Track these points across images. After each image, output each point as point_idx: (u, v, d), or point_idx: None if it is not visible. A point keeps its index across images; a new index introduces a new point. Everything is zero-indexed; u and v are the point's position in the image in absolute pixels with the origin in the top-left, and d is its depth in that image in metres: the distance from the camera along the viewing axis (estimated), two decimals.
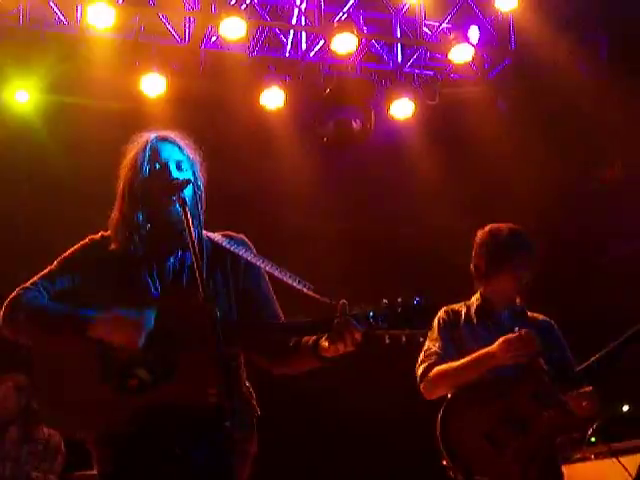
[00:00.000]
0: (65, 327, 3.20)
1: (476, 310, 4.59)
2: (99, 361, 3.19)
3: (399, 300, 3.03)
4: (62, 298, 3.30)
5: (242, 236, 3.50)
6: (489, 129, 7.34)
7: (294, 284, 3.20)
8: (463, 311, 4.61)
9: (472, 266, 4.61)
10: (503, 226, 4.56)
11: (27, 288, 3.32)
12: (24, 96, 6.66)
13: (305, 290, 3.17)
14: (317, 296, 3.15)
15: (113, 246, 3.37)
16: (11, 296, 3.32)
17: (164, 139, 3.45)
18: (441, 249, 7.47)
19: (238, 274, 3.40)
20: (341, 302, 3.08)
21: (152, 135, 3.46)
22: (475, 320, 4.56)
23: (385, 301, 3.05)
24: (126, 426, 3.15)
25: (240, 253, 3.35)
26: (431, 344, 4.52)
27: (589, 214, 7.76)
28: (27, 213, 7.24)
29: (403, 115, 7.39)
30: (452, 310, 4.62)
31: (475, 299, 4.64)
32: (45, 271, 3.38)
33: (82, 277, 3.34)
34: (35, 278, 3.36)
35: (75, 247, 3.43)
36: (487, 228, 4.60)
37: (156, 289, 3.31)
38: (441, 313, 4.60)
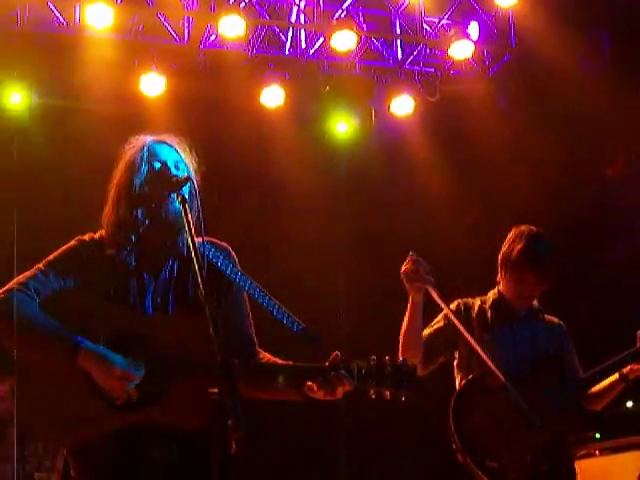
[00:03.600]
0: (54, 349, 3.12)
1: (492, 304, 4.58)
2: (86, 373, 3.13)
3: (387, 359, 3.18)
4: (53, 304, 3.20)
5: (225, 245, 3.45)
6: (490, 125, 7.32)
7: (273, 310, 3.26)
8: (477, 304, 4.60)
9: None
10: (528, 231, 4.52)
11: (16, 289, 3.18)
12: (22, 98, 6.63)
13: (285, 322, 3.25)
14: (297, 323, 3.24)
15: (107, 250, 3.30)
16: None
17: (161, 141, 3.42)
18: (442, 244, 7.44)
19: (221, 291, 3.35)
20: (334, 354, 3.19)
21: (148, 138, 3.43)
22: (490, 313, 4.56)
23: (373, 358, 3.18)
24: (107, 440, 3.11)
25: (226, 271, 3.31)
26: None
27: (590, 211, 7.73)
28: (24, 218, 7.17)
29: (403, 112, 7.38)
30: (465, 303, 4.61)
31: (492, 294, 4.64)
32: (33, 271, 3.25)
33: (74, 282, 3.25)
34: (22, 278, 3.23)
35: (64, 248, 3.33)
36: (518, 228, 4.57)
37: (148, 307, 3.26)
38: (453, 305, 4.59)
